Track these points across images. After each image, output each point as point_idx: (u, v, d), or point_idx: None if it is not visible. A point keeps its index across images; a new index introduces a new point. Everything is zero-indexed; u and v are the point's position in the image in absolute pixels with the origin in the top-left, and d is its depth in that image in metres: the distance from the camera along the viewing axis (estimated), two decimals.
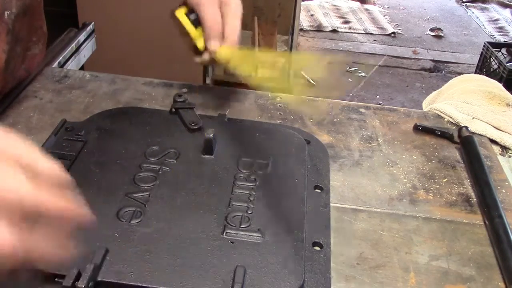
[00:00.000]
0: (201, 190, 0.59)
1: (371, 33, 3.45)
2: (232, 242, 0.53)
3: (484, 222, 0.62)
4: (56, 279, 0.47)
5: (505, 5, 4.01)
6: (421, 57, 3.20)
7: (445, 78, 2.92)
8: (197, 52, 0.72)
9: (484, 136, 0.79)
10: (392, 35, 3.45)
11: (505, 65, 2.50)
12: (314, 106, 0.79)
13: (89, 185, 0.58)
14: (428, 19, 3.75)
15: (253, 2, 2.50)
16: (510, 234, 0.58)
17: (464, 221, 0.63)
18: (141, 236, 0.52)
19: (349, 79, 2.90)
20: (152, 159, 0.63)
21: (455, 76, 1.00)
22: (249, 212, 0.57)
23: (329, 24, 3.49)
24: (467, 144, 0.74)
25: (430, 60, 3.18)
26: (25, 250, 0.36)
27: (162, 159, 0.63)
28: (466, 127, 0.77)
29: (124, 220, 0.54)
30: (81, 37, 1.03)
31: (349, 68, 3.00)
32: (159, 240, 0.52)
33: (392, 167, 0.71)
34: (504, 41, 3.31)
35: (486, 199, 0.64)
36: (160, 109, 0.75)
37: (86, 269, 0.47)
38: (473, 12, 3.92)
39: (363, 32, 3.46)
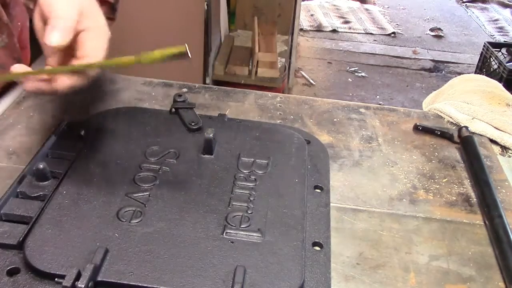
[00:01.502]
0: (201, 190, 0.59)
1: (371, 33, 3.45)
2: (232, 242, 0.53)
3: (484, 222, 0.62)
4: (56, 279, 0.47)
5: (505, 5, 4.01)
6: (421, 57, 3.20)
7: (445, 78, 2.92)
8: None
9: (484, 136, 0.79)
10: (392, 35, 3.45)
11: (505, 65, 2.50)
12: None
13: (89, 185, 0.58)
14: (428, 19, 3.75)
15: (253, 2, 2.51)
16: (510, 234, 0.58)
17: (464, 221, 0.63)
18: (141, 236, 0.52)
19: (349, 79, 2.90)
20: (152, 159, 0.63)
21: (455, 76, 1.00)
22: (249, 212, 0.57)
23: (329, 24, 3.49)
24: (467, 144, 0.74)
25: (430, 60, 3.18)
26: None
27: (162, 159, 0.63)
28: (466, 127, 0.77)
29: (124, 220, 0.54)
30: None
31: (349, 68, 3.00)
32: (159, 240, 0.52)
33: (392, 167, 0.71)
34: (504, 41, 3.31)
35: (486, 199, 0.64)
36: (160, 109, 0.75)
37: (86, 269, 0.47)
38: (473, 12, 3.92)
39: (363, 32, 3.46)
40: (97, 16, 0.60)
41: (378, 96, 2.77)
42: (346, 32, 3.44)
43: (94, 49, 0.57)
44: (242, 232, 0.54)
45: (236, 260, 0.51)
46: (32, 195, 0.57)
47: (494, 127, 0.79)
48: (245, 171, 0.62)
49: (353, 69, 3.00)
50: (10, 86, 0.81)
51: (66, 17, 0.55)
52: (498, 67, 2.57)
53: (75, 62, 0.56)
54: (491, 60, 2.65)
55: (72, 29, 0.55)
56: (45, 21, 0.56)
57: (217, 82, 2.19)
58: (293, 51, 2.58)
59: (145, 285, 0.48)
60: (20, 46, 0.84)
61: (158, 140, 0.66)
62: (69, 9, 0.55)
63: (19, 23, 0.83)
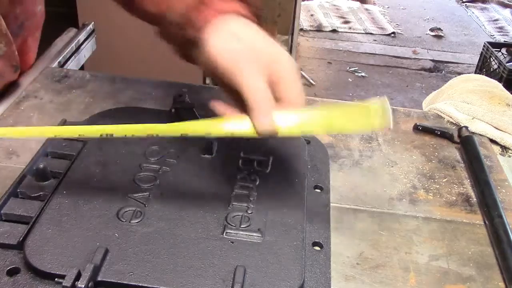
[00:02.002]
0: (201, 190, 0.59)
1: (371, 33, 3.45)
2: (232, 242, 0.53)
3: (484, 222, 0.62)
4: (56, 279, 0.47)
5: (505, 5, 4.01)
6: (421, 57, 3.20)
7: (445, 78, 2.92)
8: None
9: (484, 136, 0.79)
10: (392, 35, 3.45)
11: (505, 65, 2.50)
12: None
13: (89, 185, 0.58)
14: (428, 19, 3.75)
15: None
16: (510, 234, 0.58)
17: (464, 221, 0.63)
18: (141, 236, 0.52)
19: (349, 79, 2.90)
20: (152, 159, 0.63)
21: (455, 76, 1.00)
22: (249, 212, 0.57)
23: (329, 24, 3.49)
24: (467, 144, 0.74)
25: (430, 60, 3.18)
26: None
27: (162, 159, 0.63)
28: (466, 127, 0.77)
29: (124, 220, 0.54)
30: (81, 37, 1.03)
31: (349, 68, 3.00)
32: (159, 240, 0.52)
33: (392, 167, 0.71)
34: (504, 41, 3.31)
35: (486, 199, 0.64)
36: (160, 109, 0.75)
37: (86, 269, 0.47)
38: (473, 12, 3.92)
39: (363, 32, 3.46)
40: (278, 52, 0.54)
41: (378, 96, 2.76)
42: (346, 32, 3.44)
43: (295, 92, 0.53)
44: (242, 232, 0.54)
45: (236, 260, 0.51)
46: (32, 195, 0.57)
47: (494, 127, 0.79)
48: (245, 171, 0.62)
49: (353, 69, 3.00)
50: (10, 86, 0.81)
51: (264, 98, 0.51)
52: (498, 67, 2.57)
53: (281, 105, 0.52)
54: (491, 60, 2.65)
55: (272, 107, 0.51)
56: (230, 83, 0.52)
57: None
58: (293, 51, 2.57)
59: (145, 285, 0.48)
60: (24, 51, 0.84)
61: (158, 140, 0.66)
62: (259, 79, 0.51)
63: (25, 33, 0.84)
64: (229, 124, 0.53)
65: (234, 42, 0.53)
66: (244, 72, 0.52)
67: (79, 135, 0.53)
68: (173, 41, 0.60)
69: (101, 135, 0.52)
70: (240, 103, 0.53)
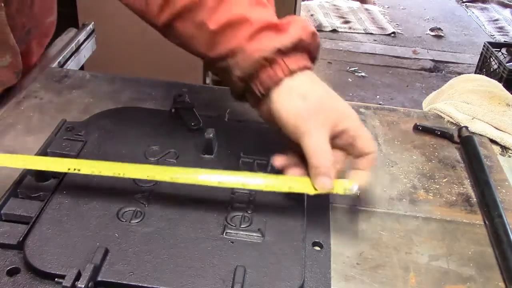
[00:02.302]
0: (201, 190, 0.59)
1: (371, 33, 3.45)
2: (232, 242, 0.53)
3: (484, 222, 0.62)
4: (56, 279, 0.47)
5: (505, 5, 4.01)
6: (421, 57, 3.20)
7: (445, 78, 2.92)
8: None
9: (484, 136, 0.79)
10: (392, 35, 3.45)
11: (505, 65, 2.50)
12: None
13: (89, 185, 0.58)
14: (428, 19, 3.75)
15: None
16: (510, 234, 0.58)
17: (464, 221, 0.63)
18: (141, 236, 0.52)
19: (349, 79, 2.90)
20: (152, 159, 0.63)
21: (455, 76, 1.00)
22: (249, 212, 0.57)
23: (329, 24, 3.49)
24: (467, 144, 0.74)
25: (430, 60, 3.18)
26: None
27: (162, 159, 0.63)
28: (466, 127, 0.77)
29: (124, 220, 0.54)
30: (81, 37, 1.03)
31: (349, 68, 3.00)
32: (159, 240, 0.52)
33: (392, 167, 0.71)
34: (504, 41, 3.31)
35: (486, 199, 0.64)
36: (160, 109, 0.75)
37: (86, 269, 0.47)
38: (473, 12, 3.92)
39: (363, 32, 3.46)
40: (345, 108, 0.57)
41: (378, 96, 2.77)
42: (346, 32, 3.44)
43: (372, 144, 0.57)
44: (242, 232, 0.54)
45: (236, 260, 0.51)
46: (32, 195, 0.57)
47: (494, 127, 0.79)
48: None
49: (353, 69, 3.00)
50: (9, 87, 0.81)
51: (328, 160, 0.54)
52: (498, 67, 2.57)
53: (359, 161, 0.56)
54: (491, 60, 2.65)
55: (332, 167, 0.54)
56: (294, 139, 0.54)
57: (217, 82, 2.19)
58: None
59: (145, 285, 0.48)
60: (28, 54, 0.85)
61: (158, 140, 0.66)
62: (325, 141, 0.54)
63: (31, 38, 0.84)
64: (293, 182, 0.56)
65: (301, 101, 0.54)
66: (311, 133, 0.53)
67: (46, 168, 0.56)
68: (226, 83, 0.61)
69: (68, 169, 0.55)
70: (297, 153, 0.56)
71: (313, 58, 0.59)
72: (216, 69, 0.60)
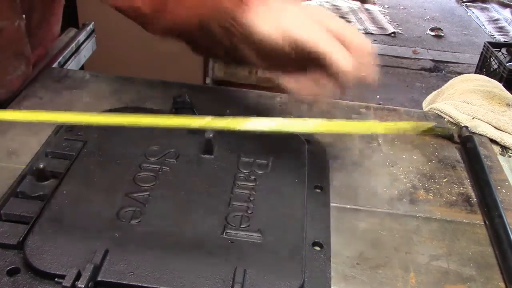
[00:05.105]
0: (201, 190, 0.59)
1: (371, 33, 3.45)
2: (232, 242, 0.53)
3: (484, 222, 0.62)
4: (56, 279, 0.47)
5: (505, 5, 4.01)
6: (421, 57, 3.20)
7: (445, 78, 2.92)
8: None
9: (484, 136, 0.79)
10: (392, 35, 3.45)
11: (505, 65, 2.50)
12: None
13: (89, 185, 0.58)
14: (428, 19, 3.76)
15: None
16: (510, 234, 0.58)
17: (464, 221, 0.63)
18: (141, 236, 0.52)
19: None
20: (152, 159, 0.63)
21: (455, 76, 1.00)
22: (249, 212, 0.57)
23: None
24: (467, 144, 0.74)
25: (430, 60, 3.18)
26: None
27: (162, 159, 0.63)
28: (466, 127, 0.77)
29: (124, 220, 0.54)
30: (81, 37, 1.03)
31: None
32: (159, 240, 0.52)
33: (392, 167, 0.71)
34: (504, 41, 3.31)
35: (486, 199, 0.64)
36: (160, 109, 0.75)
37: (86, 269, 0.47)
38: (473, 12, 3.92)
39: (363, 32, 3.46)
40: (324, 11, 0.57)
41: (378, 96, 2.77)
42: None
43: (361, 37, 0.55)
44: (242, 232, 0.54)
45: (236, 260, 0.51)
46: (32, 195, 0.57)
47: (494, 127, 0.79)
48: (245, 171, 0.62)
49: None
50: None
51: (334, 41, 0.53)
52: (498, 67, 2.57)
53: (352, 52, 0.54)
54: (491, 60, 2.65)
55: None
56: (296, 50, 0.54)
57: (217, 82, 2.19)
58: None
59: (145, 285, 0.48)
60: (36, 56, 0.85)
61: (158, 140, 0.66)
62: (322, 31, 0.53)
63: (38, 43, 0.85)
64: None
65: (284, 15, 0.55)
66: (306, 30, 0.53)
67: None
68: (218, 49, 0.61)
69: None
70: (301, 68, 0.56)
71: None
72: (205, 45, 0.61)
